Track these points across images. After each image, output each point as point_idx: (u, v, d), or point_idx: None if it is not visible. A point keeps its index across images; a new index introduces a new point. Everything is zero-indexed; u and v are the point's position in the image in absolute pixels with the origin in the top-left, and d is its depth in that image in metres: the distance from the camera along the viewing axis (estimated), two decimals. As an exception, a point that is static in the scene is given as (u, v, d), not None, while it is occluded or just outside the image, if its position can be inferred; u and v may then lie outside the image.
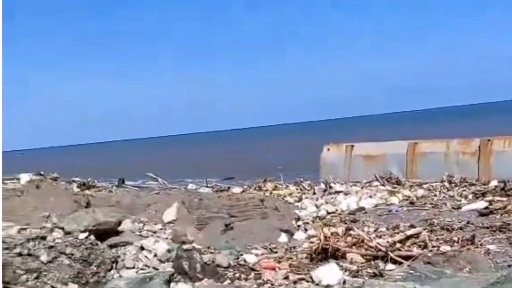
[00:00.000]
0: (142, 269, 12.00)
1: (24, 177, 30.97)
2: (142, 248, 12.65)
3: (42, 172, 33.45)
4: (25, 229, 13.22)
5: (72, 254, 11.50)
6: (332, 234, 12.76)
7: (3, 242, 11.57)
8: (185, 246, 12.23)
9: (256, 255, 13.03)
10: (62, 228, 12.63)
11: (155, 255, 12.47)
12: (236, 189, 19.09)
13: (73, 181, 25.52)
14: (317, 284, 10.13)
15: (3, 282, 9.48)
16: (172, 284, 9.74)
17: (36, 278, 11.20)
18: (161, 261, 12.31)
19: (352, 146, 23.21)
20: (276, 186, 20.15)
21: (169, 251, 12.52)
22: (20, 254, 11.27)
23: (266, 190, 19.33)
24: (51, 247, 11.49)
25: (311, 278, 10.40)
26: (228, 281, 11.43)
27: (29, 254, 11.27)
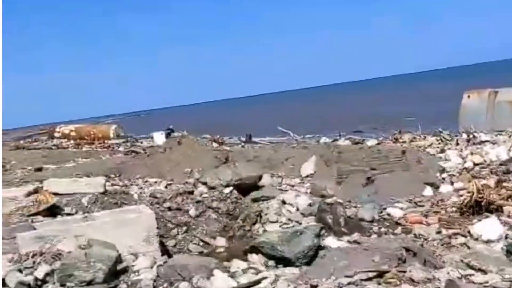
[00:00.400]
0: (285, 223, 12.00)
1: (157, 135, 32.54)
2: (283, 202, 12.65)
3: (171, 127, 35.01)
4: (170, 184, 13.69)
5: (218, 208, 11.74)
6: (483, 186, 11.86)
7: (154, 197, 12.07)
8: (327, 200, 12.02)
9: (401, 209, 12.52)
10: (206, 183, 12.87)
11: (297, 209, 12.40)
12: (371, 141, 18.43)
13: (204, 137, 26.18)
14: (476, 239, 9.44)
15: (159, 235, 9.79)
16: (321, 238, 9.46)
17: (186, 231, 11.58)
18: (303, 215, 12.22)
19: (496, 92, 21.44)
20: (414, 138, 19.23)
21: (310, 205, 12.39)
22: (169, 209, 11.68)
23: (404, 142, 18.47)
24: (198, 201, 11.80)
25: (468, 232, 9.72)
26: (374, 235, 11.05)
27: (178, 209, 11.66)
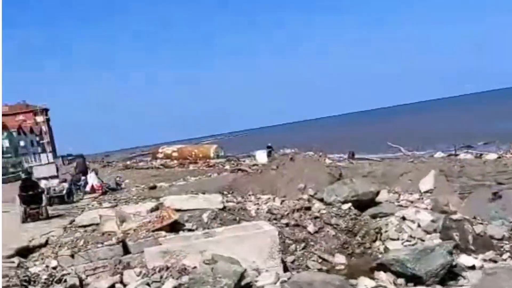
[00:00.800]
0: (407, 240, 11.44)
1: (259, 154, 32.76)
2: (403, 219, 12.08)
3: (270, 145, 35.16)
4: (284, 200, 13.53)
5: (337, 225, 11.40)
6: None
7: (271, 213, 11.97)
8: (453, 217, 11.36)
9: (534, 226, 11.60)
10: (322, 199, 12.63)
11: (419, 226, 11.81)
12: (491, 155, 17.36)
13: (308, 155, 25.89)
14: None
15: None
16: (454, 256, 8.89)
17: (304, 248, 11.31)
18: (426, 232, 11.59)
19: None
20: (539, 151, 17.99)
21: (433, 221, 11.74)
22: (287, 225, 11.49)
23: (526, 156, 17.29)
24: (316, 217, 11.52)
25: None
26: (507, 254, 10.28)
27: (296, 225, 11.45)
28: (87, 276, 9.17)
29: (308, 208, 11.85)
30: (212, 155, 36.62)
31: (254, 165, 27.16)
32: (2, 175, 43.02)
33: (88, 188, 19.04)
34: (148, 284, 8.90)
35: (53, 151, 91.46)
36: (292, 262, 10.80)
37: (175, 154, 38.63)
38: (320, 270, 10.57)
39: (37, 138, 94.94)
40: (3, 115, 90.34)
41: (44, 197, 13.56)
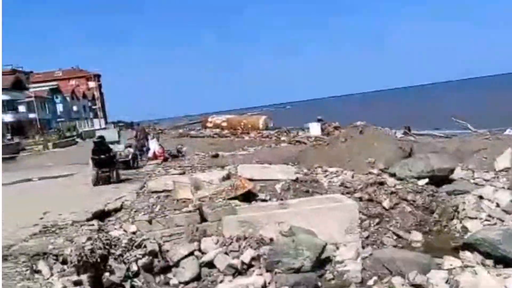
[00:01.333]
0: (486, 219, 11.05)
1: (313, 126, 32.30)
2: (481, 197, 11.67)
3: (320, 117, 34.59)
4: (354, 174, 13.24)
5: (414, 201, 11.05)
6: None
7: (345, 186, 11.73)
8: (536, 197, 10.89)
9: None
10: (394, 174, 12.28)
11: (498, 205, 11.39)
12: None
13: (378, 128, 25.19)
14: None
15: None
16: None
17: (378, 223, 11.01)
18: (506, 212, 11.15)
19: None
20: None
21: (512, 201, 11.33)
22: (361, 199, 11.13)
23: None
24: (392, 193, 11.18)
25: None
26: None
27: (369, 200, 11.14)
28: (164, 242, 9.16)
29: (382, 183, 11.52)
30: (261, 126, 36.30)
31: (309, 137, 26.88)
32: (57, 138, 44.36)
33: (150, 154, 19.13)
34: (226, 253, 8.86)
35: (104, 117, 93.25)
36: (367, 237, 10.51)
37: (224, 124, 38.60)
38: (395, 246, 10.26)
39: (89, 104, 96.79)
40: (57, 79, 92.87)
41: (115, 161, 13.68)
